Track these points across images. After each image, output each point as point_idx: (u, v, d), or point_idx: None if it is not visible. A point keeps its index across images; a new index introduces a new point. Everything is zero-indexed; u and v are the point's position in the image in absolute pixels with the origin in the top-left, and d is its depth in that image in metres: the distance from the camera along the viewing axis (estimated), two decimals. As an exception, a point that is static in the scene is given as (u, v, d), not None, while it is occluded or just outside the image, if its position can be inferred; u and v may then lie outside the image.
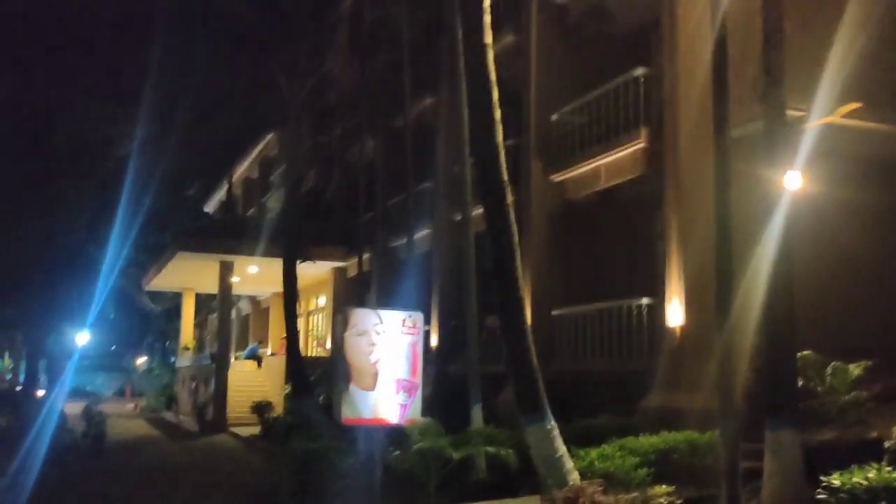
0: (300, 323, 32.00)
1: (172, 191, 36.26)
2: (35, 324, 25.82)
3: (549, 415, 9.67)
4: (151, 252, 34.31)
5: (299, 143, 22.87)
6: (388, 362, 11.52)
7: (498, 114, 10.13)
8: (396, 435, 11.59)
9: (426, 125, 22.52)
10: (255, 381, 29.32)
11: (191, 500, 14.12)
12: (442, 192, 21.19)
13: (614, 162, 15.01)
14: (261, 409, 23.55)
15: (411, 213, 21.03)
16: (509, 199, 10.05)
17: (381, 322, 11.59)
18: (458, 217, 20.05)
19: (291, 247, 21.51)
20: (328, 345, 27.93)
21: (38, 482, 14.15)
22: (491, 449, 10.08)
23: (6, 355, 45.86)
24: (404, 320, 11.71)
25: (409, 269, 23.07)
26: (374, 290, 24.55)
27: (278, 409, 23.85)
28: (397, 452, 10.64)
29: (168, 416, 32.02)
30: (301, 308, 32.40)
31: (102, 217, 30.03)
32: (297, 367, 21.08)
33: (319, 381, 22.66)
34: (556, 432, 9.63)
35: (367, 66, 20.90)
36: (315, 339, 31.50)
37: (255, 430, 23.15)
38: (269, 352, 32.29)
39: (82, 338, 39.01)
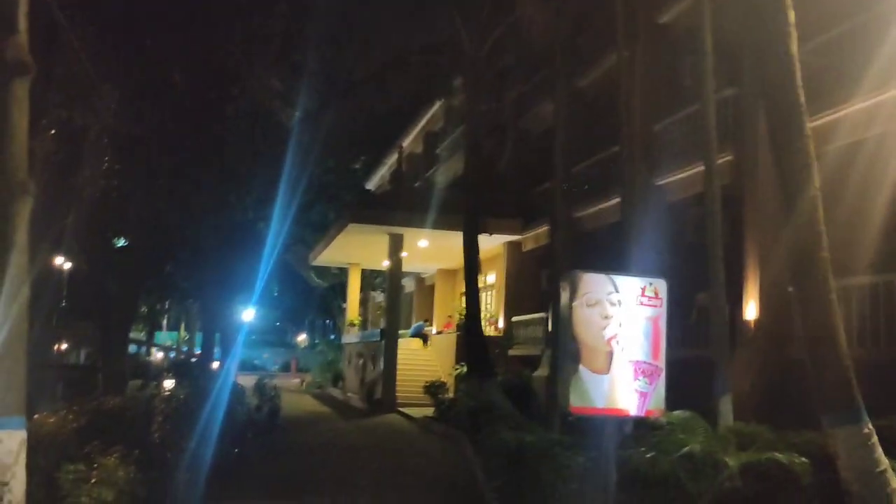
0: (463, 301, 30.34)
1: (338, 166, 35.25)
2: (209, 296, 25.10)
3: (865, 415, 7.13)
4: (317, 229, 33.42)
5: (479, 103, 20.81)
6: (625, 340, 9.24)
7: (792, 15, 7.59)
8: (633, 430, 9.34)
9: (611, 84, 20.07)
10: (422, 359, 27.85)
11: (382, 487, 12.40)
12: (636, 154, 18.65)
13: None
14: (434, 389, 21.83)
15: (600, 180, 18.68)
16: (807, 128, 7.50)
17: (617, 290, 9.31)
18: (662, 181, 17.61)
19: (472, 217, 19.54)
20: (500, 324, 25.92)
21: (216, 457, 12.85)
22: (781, 457, 7.52)
23: (182, 327, 46.76)
24: (643, 289, 9.37)
25: (596, 242, 20.73)
26: (553, 265, 22.34)
27: (450, 389, 22.14)
28: (652, 454, 8.29)
29: (334, 392, 31.02)
30: (464, 286, 30.60)
31: (270, 194, 29.10)
32: (477, 346, 19.16)
33: (496, 362, 20.74)
34: (875, 438, 7.08)
35: (559, 14, 18.55)
36: (485, 319, 29.59)
37: (427, 411, 21.51)
38: (433, 330, 30.68)
39: (250, 313, 38.91)
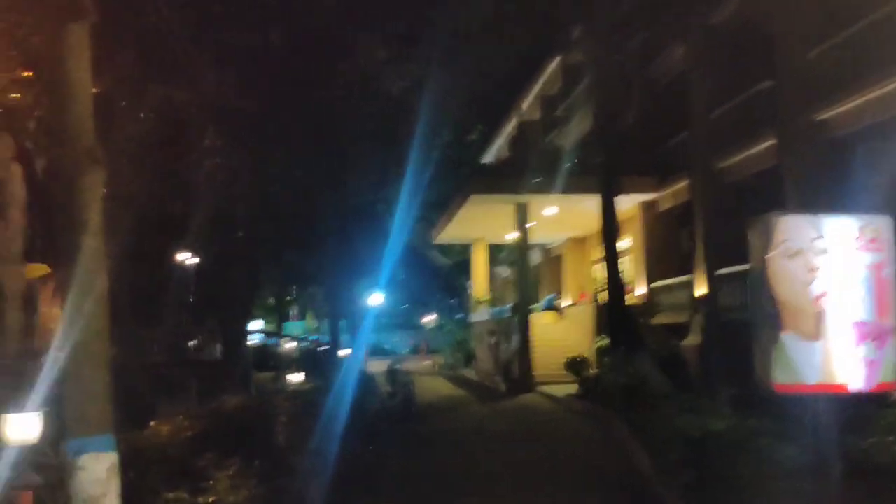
0: (596, 270, 28.34)
1: (455, 140, 33.73)
2: (332, 282, 24.18)
3: None
4: (437, 206, 32.04)
5: (605, 52, 18.76)
6: (839, 296, 7.25)
7: None
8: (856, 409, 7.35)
9: (754, 13, 17.67)
10: (557, 334, 26.00)
11: (535, 483, 10.82)
12: (792, 87, 16.24)
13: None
14: (576, 365, 20.06)
15: (744, 125, 16.41)
16: None
17: (822, 235, 7.31)
18: (824, 115, 15.20)
19: (607, 175, 17.56)
20: (637, 291, 23.83)
21: (348, 455, 11.59)
22: None
23: (308, 315, 46.61)
24: (861, 230, 7.35)
25: (744, 193, 18.43)
26: (695, 223, 20.13)
27: (592, 364, 20.33)
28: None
29: (467, 373, 29.65)
30: (597, 253, 28.62)
31: (386, 174, 27.91)
32: (621, 316, 17.26)
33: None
34: None
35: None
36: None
37: (568, 388, 19.74)
38: (563, 303, 28.79)
39: (376, 297, 38.06)
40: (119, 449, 7.65)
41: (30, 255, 17.39)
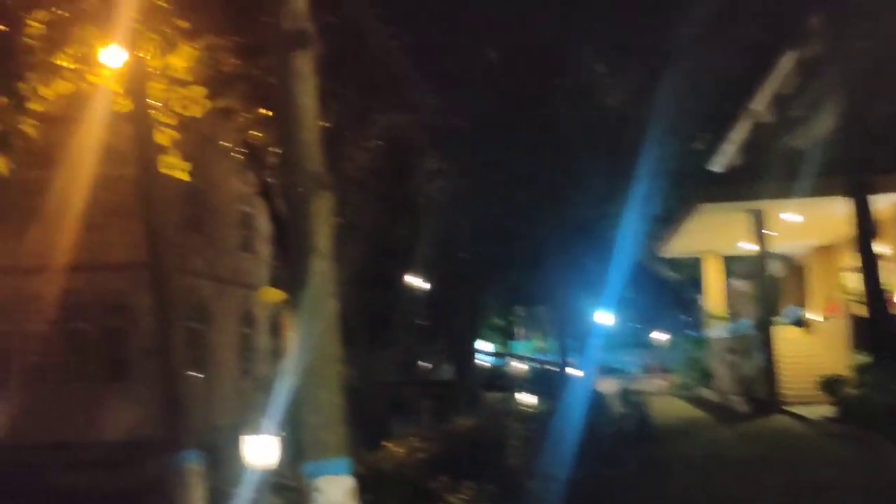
0: (845, 279, 25.80)
1: (680, 151, 32.27)
2: (558, 301, 23.84)
3: None
4: (663, 221, 30.75)
5: (853, 39, 17.05)
6: None
7: None
8: None
9: None
10: (805, 350, 23.93)
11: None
12: None
13: None
14: (831, 384, 18.20)
15: None
16: None
17: None
18: None
19: (861, 173, 15.86)
20: (897, 301, 21.35)
21: (582, 480, 11.09)
22: None
23: (537, 335, 46.48)
24: None
25: None
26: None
27: (849, 383, 18.35)
28: None
29: (705, 393, 28.04)
30: (846, 261, 26.09)
31: (609, 190, 27.18)
32: (885, 330, 15.45)
33: None
34: None
35: None
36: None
37: (821, 409, 17.98)
38: (811, 316, 26.49)
39: (604, 315, 37.16)
40: (357, 470, 7.77)
41: (276, 285, 18.60)
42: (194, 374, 19.39)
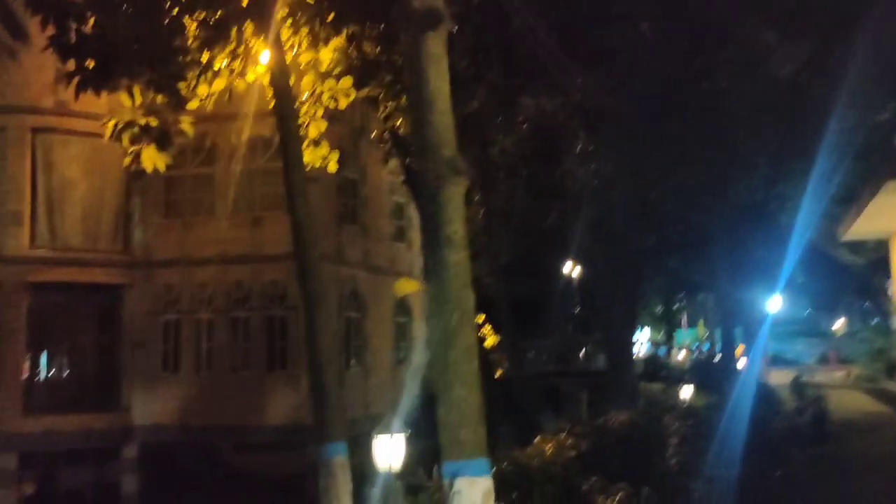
0: None
1: (861, 125, 29.73)
2: (723, 288, 22.47)
3: None
4: (842, 202, 28.43)
5: None
6: None
7: None
8: None
9: None
10: None
11: None
12: None
13: None
14: None
15: None
16: None
17: None
18: None
19: None
20: None
21: (751, 481, 10.30)
22: None
23: (700, 323, 44.44)
24: None
25: None
26: None
27: None
28: None
29: (890, 386, 25.81)
30: None
31: (779, 169, 25.40)
32: None
33: None
34: None
35: None
36: None
37: None
38: None
39: (774, 303, 34.93)
40: (503, 467, 7.45)
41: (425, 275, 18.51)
42: (350, 363, 19.84)
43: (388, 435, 5.99)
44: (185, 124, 9.70)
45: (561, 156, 12.68)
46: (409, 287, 18.06)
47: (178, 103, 9.33)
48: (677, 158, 15.09)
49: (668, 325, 39.28)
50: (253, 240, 18.26)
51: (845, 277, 39.02)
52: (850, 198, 26.00)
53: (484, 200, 16.19)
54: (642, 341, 36.21)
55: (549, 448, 8.06)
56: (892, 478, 11.66)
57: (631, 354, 15.24)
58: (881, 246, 31.11)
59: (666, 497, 8.14)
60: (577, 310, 26.62)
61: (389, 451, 5.80)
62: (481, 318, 33.26)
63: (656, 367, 29.66)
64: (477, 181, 14.23)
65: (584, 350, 28.70)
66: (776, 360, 37.62)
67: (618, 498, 6.69)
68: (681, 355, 32.31)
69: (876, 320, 37.76)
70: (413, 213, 21.58)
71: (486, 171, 14.75)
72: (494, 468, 6.59)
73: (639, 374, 30.96)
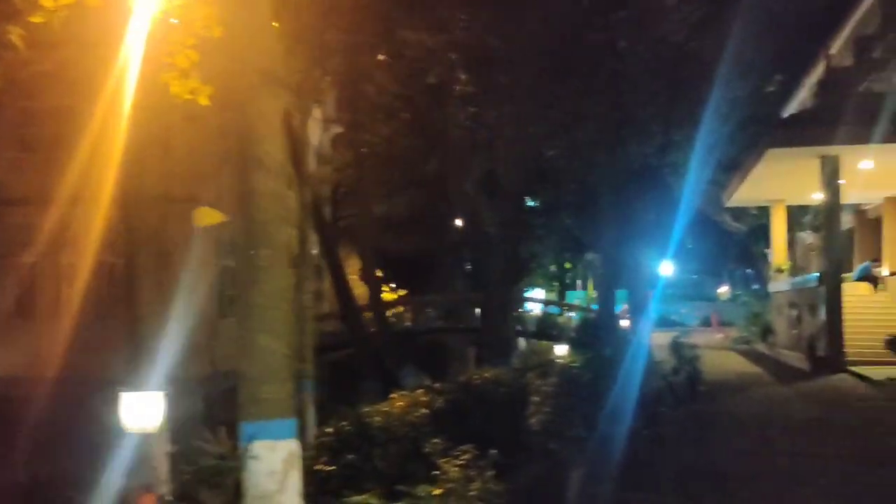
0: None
1: (750, 96, 29.93)
2: (611, 249, 22.20)
3: None
4: (729, 170, 28.73)
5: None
6: None
7: None
8: None
9: None
10: (874, 307, 22.10)
11: (852, 486, 8.42)
12: None
13: None
14: (900, 344, 16.54)
15: None
16: None
17: None
18: None
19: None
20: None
21: (615, 436, 9.89)
22: None
23: (591, 284, 44.81)
24: None
25: None
26: None
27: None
28: None
29: (763, 348, 26.43)
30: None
31: (672, 136, 25.21)
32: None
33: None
34: None
35: None
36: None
37: (890, 371, 16.37)
38: (885, 271, 24.46)
39: (664, 267, 35.28)
40: (340, 427, 6.70)
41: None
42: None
43: (137, 393, 5.06)
44: (15, 35, 8.43)
45: (445, 100, 11.81)
46: (210, 217, 16.32)
47: (14, 14, 8.07)
48: (572, 115, 14.44)
49: (562, 285, 39.34)
50: (122, 180, 16.78)
51: (730, 243, 39.92)
52: (738, 165, 26.29)
53: (361, 142, 15.07)
54: (539, 300, 36.12)
55: (398, 406, 7.34)
56: (755, 436, 11.53)
57: (508, 311, 14.62)
58: (763, 213, 31.84)
59: (523, 457, 7.56)
60: (469, 266, 26.01)
61: (139, 411, 4.90)
62: (379, 273, 32.35)
63: (547, 325, 29.52)
64: (351, 122, 13.26)
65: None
66: (662, 322, 38.26)
67: (461, 460, 6.00)
68: (570, 315, 32.40)
69: (756, 286, 38.75)
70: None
71: (361, 107, 13.69)
72: (330, 429, 5.83)
73: (532, 333, 30.90)
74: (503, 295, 14.32)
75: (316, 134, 17.15)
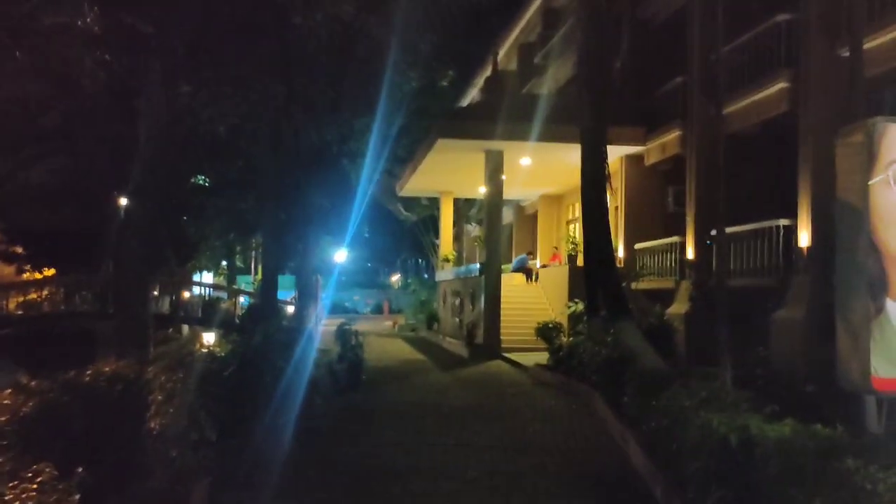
0: (575, 230, 25.74)
1: (424, 90, 30.55)
2: (274, 231, 21.05)
3: None
4: (405, 162, 29.10)
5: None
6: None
7: None
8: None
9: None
10: (528, 297, 23.52)
11: (503, 484, 8.21)
12: (812, 20, 13.57)
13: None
14: (547, 331, 17.46)
15: (750, 67, 13.81)
16: None
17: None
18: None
19: (597, 114, 14.78)
20: (616, 253, 21.20)
21: (255, 435, 8.92)
22: None
23: (258, 270, 43.49)
24: None
25: (748, 146, 15.80)
26: (687, 178, 17.57)
27: (565, 331, 17.78)
28: None
29: (429, 335, 27.07)
30: (575, 212, 26.01)
31: (354, 128, 24.75)
32: (605, 279, 14.63)
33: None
34: None
35: None
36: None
37: (537, 357, 17.29)
38: (538, 264, 26.24)
39: (339, 254, 35.07)
40: None
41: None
42: None
43: None
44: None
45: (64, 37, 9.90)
46: None
47: None
48: (232, 79, 13.06)
49: (228, 270, 37.46)
50: None
51: (403, 233, 40.88)
52: (411, 157, 26.63)
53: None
54: (205, 284, 33.92)
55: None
56: (412, 428, 11.19)
57: (146, 296, 12.88)
58: (434, 204, 32.85)
59: (140, 471, 6.23)
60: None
61: None
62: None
63: (213, 312, 27.70)
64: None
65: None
66: (336, 309, 38.13)
67: (34, 484, 4.57)
68: (241, 300, 30.85)
69: (426, 275, 40.10)
70: None
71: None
72: None
73: (197, 319, 28.85)
74: (141, 275, 12.47)
75: None
